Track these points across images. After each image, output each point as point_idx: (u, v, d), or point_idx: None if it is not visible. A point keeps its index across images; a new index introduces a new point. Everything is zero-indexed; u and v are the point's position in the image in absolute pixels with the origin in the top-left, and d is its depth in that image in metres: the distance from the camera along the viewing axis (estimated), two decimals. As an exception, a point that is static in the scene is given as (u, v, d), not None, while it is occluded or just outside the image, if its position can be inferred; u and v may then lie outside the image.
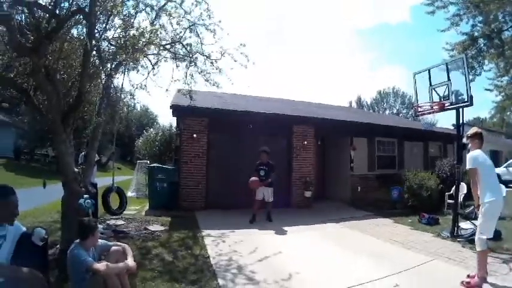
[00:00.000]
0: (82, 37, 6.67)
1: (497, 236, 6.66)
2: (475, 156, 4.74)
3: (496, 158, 24.39)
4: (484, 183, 4.60)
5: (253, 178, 8.90)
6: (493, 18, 10.41)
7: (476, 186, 4.67)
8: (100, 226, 6.36)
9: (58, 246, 5.38)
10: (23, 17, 6.15)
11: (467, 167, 4.81)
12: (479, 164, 4.67)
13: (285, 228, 7.84)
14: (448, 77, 8.38)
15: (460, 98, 8.01)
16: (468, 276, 4.65)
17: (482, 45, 11.04)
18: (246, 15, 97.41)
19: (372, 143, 14.35)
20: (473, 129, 5.12)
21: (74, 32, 7.07)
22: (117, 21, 6.66)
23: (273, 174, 9.08)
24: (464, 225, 6.71)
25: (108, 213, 8.43)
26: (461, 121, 8.21)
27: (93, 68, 6.63)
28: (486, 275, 4.57)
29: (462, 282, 4.58)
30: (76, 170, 5.84)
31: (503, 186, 9.27)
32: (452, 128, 18.97)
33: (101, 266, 3.41)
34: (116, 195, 8.66)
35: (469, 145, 5.02)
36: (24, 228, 3.05)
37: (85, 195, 5.40)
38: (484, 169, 4.65)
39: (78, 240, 3.60)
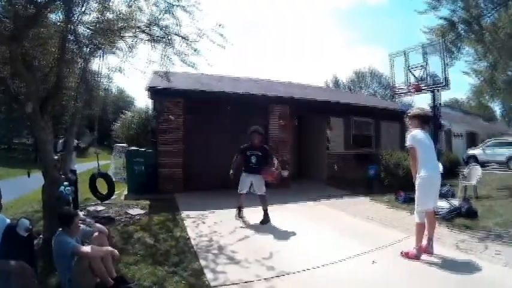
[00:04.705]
0: (59, 22, 6.48)
1: (473, 214, 6.87)
2: (413, 134, 4.99)
3: (473, 140, 25.12)
4: (421, 160, 4.86)
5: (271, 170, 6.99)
6: (474, 4, 10.26)
7: (415, 162, 4.93)
8: (81, 213, 6.37)
9: (41, 236, 5.35)
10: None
11: (406, 144, 5.07)
12: (417, 142, 4.91)
13: (264, 207, 7.80)
14: (425, 59, 8.55)
15: (436, 80, 8.19)
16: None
17: (461, 30, 10.85)
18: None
19: (349, 123, 14.52)
20: (415, 110, 5.38)
21: (51, 17, 6.90)
22: (94, 4, 6.45)
23: (275, 162, 7.19)
24: (440, 203, 6.85)
25: (96, 198, 8.39)
26: (436, 102, 8.43)
27: (71, 53, 6.51)
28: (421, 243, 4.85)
29: (401, 253, 4.93)
30: (55, 157, 5.81)
31: (478, 167, 9.58)
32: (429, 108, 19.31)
33: (87, 248, 3.50)
34: (103, 181, 8.59)
35: (409, 124, 5.26)
36: (8, 221, 3.08)
37: (65, 183, 5.41)
38: (422, 147, 4.89)
39: (60, 229, 3.66)
